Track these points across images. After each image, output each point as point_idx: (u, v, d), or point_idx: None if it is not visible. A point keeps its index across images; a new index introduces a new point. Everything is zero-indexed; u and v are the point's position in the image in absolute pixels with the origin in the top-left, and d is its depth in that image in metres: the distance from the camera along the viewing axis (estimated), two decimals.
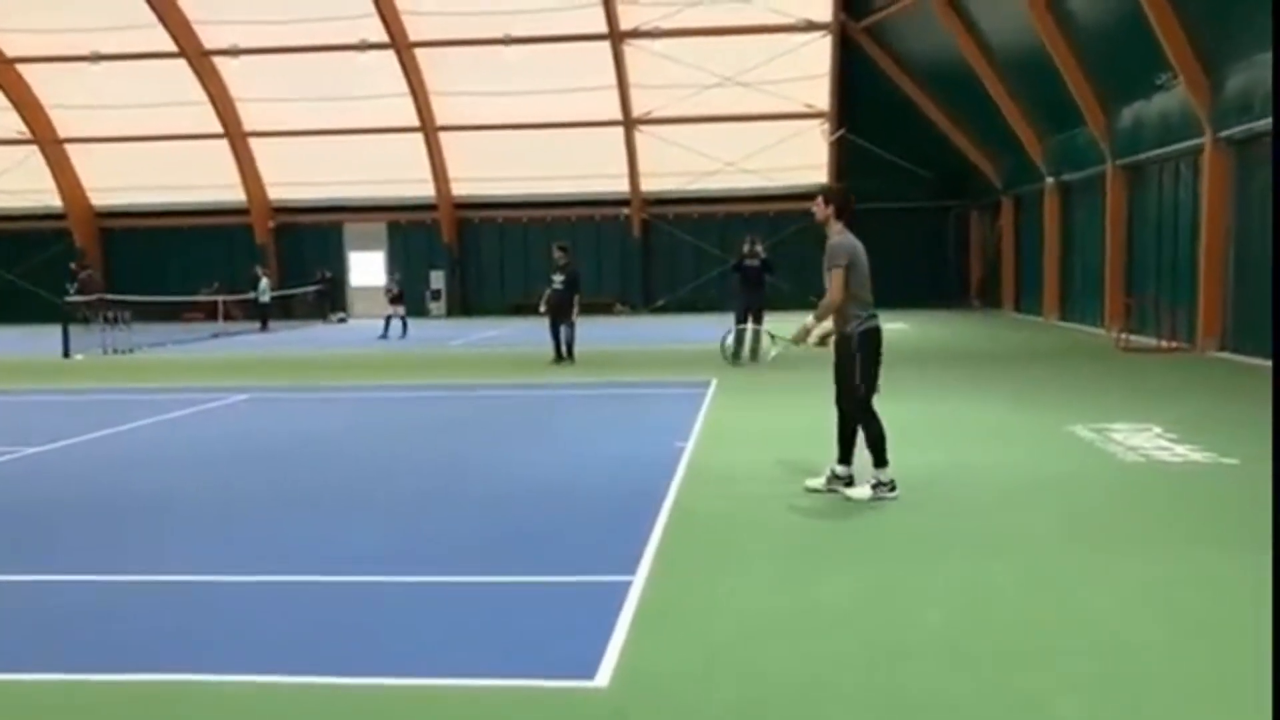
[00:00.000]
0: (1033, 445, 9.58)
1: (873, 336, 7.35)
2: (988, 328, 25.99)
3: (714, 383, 14.09)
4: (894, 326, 26.59)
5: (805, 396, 13.25)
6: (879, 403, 7.53)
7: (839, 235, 7.45)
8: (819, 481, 7.53)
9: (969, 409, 11.94)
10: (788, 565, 5.91)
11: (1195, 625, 4.88)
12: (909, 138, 32.40)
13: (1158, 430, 9.90)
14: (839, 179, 34.06)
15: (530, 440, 10.40)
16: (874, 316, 7.39)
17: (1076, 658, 4.43)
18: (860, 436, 7.41)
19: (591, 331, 21.23)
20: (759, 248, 17.89)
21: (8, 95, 32.83)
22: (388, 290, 26.24)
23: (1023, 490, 7.72)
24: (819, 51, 31.48)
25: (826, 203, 7.54)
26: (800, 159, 33.13)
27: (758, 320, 16.98)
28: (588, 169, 33.89)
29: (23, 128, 33.79)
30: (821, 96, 32.71)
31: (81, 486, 8.46)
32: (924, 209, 34.47)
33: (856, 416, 7.37)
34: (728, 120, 32.59)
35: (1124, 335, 19.34)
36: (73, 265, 32.93)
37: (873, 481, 7.27)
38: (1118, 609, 5.08)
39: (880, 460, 7.28)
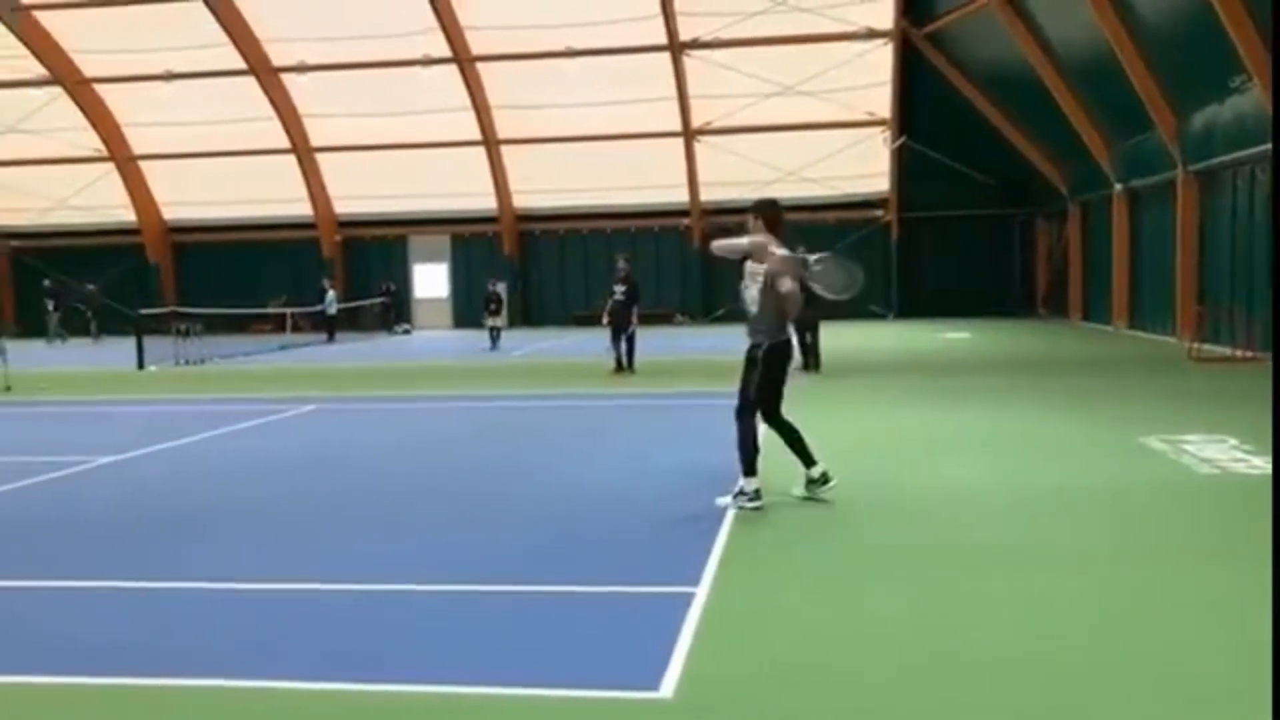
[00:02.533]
0: (1102, 457, 9.39)
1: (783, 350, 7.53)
2: (1054, 337, 25.55)
3: None
4: (957, 336, 26.47)
5: (864, 405, 13.16)
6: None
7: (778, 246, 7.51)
8: (800, 491, 7.54)
9: (1034, 420, 11.74)
10: (851, 576, 5.86)
11: (1265, 643, 4.74)
12: (972, 145, 32.04)
13: (1233, 442, 9.65)
14: (901, 187, 33.84)
15: (592, 450, 10.43)
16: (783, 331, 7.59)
17: (1139, 674, 4.33)
18: (776, 436, 7.55)
19: (651, 342, 21.27)
20: (819, 257, 17.77)
21: (86, 114, 33.80)
22: (488, 301, 25.88)
23: (1092, 503, 7.57)
24: (880, 59, 31.26)
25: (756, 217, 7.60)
26: (861, 167, 32.92)
27: (813, 331, 17.05)
28: (647, 180, 33.99)
29: (99, 145, 34.75)
30: (883, 104, 32.47)
31: (153, 496, 8.66)
32: (988, 217, 34.04)
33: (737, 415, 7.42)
34: (788, 129, 32.50)
35: (1196, 345, 18.89)
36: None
37: (735, 489, 7.30)
38: (1187, 625, 4.96)
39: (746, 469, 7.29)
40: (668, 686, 4.26)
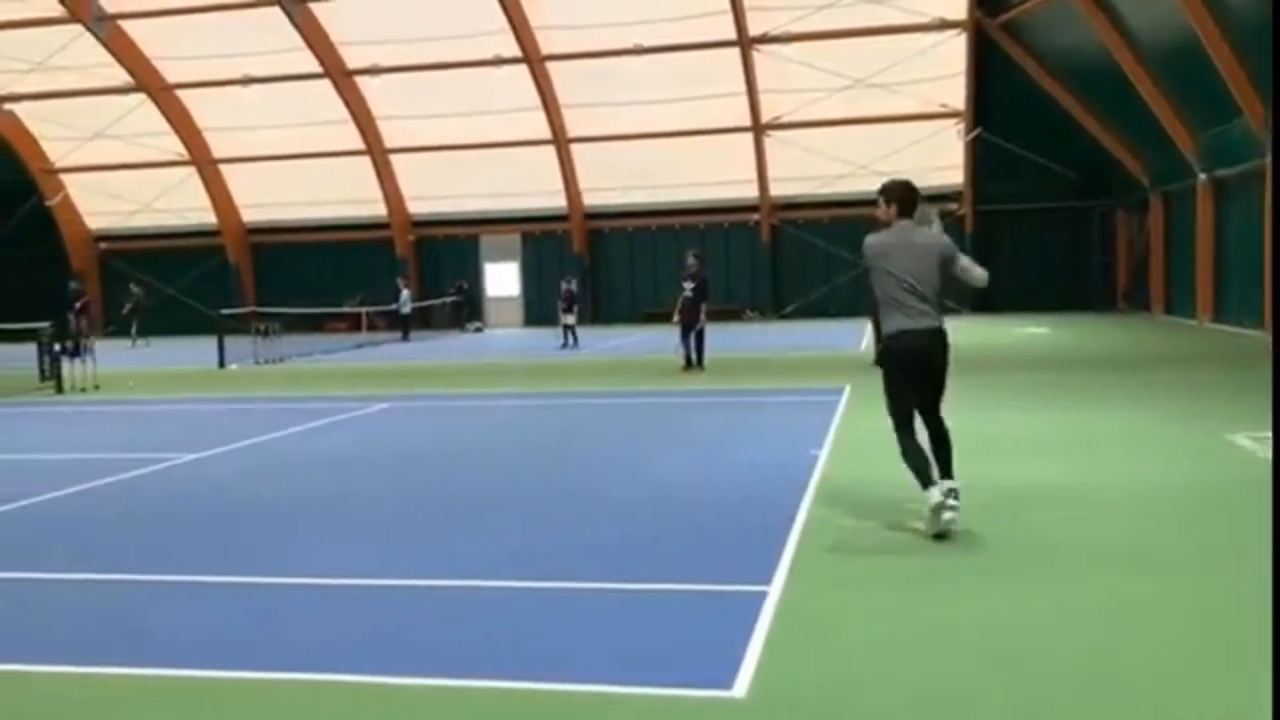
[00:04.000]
0: (1188, 455, 9.14)
1: (892, 355, 6.43)
2: (1136, 331, 24.94)
3: (848, 389, 13.90)
4: (1036, 331, 25.95)
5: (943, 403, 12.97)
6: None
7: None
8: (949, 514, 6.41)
9: (1117, 417, 11.47)
10: (926, 578, 5.78)
11: None
12: (1049, 136, 31.41)
13: None
14: (975, 179, 33.28)
15: (662, 448, 10.44)
16: (897, 331, 6.36)
17: (1231, 681, 4.21)
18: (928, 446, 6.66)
19: (721, 338, 21.21)
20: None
21: (168, 119, 34.71)
22: (562, 299, 25.85)
23: (1178, 502, 7.38)
24: (954, 50, 30.80)
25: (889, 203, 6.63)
26: (934, 160, 32.46)
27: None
28: (716, 176, 33.92)
29: (181, 150, 35.67)
30: (957, 95, 31.98)
31: (235, 492, 8.87)
32: (1066, 209, 33.34)
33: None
34: (859, 123, 32.18)
35: None
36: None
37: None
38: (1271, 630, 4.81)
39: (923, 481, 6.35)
40: (741, 686, 4.25)
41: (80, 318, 25.31)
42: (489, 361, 22.73)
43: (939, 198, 33.81)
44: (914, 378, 6.44)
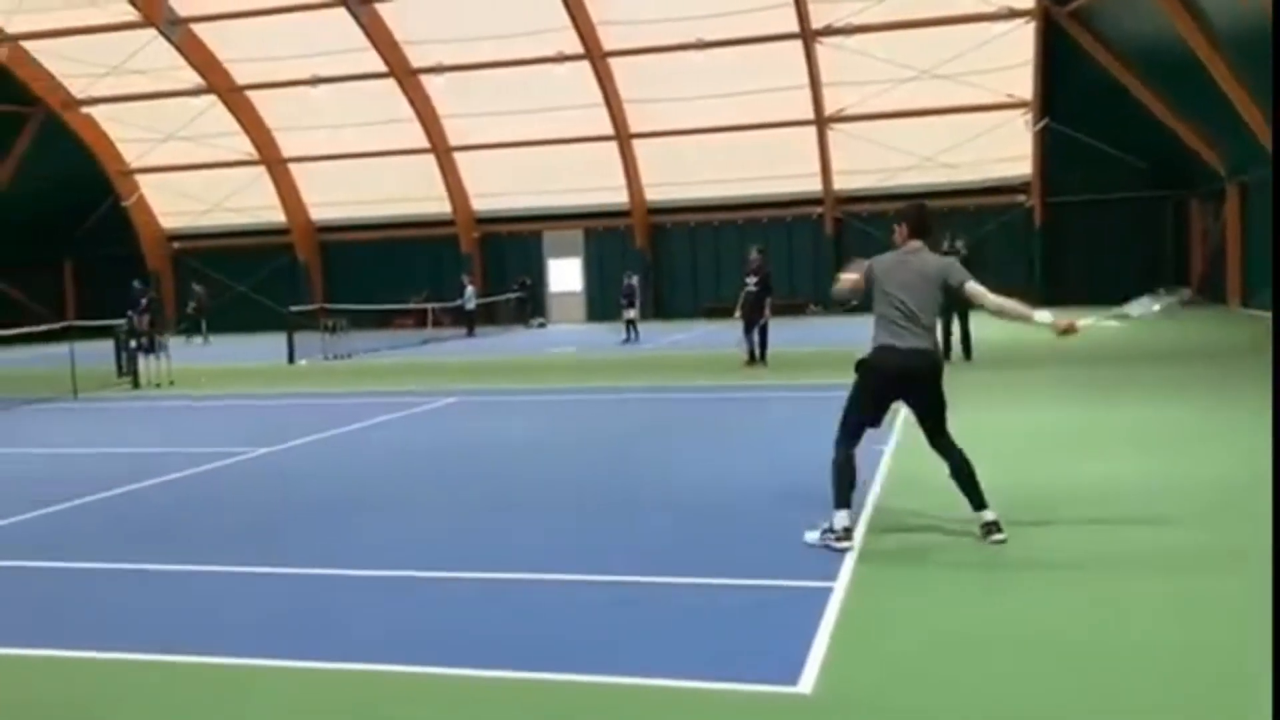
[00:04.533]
0: (1262, 451, 8.90)
1: (871, 369, 6.44)
2: (1211, 323, 24.33)
3: None
4: (1107, 324, 25.19)
5: (1011, 400, 12.79)
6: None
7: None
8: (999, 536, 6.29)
9: (1191, 411, 11.22)
10: (995, 576, 5.73)
11: None
12: (1120, 125, 30.72)
13: None
14: (1044, 170, 32.70)
15: (725, 443, 10.44)
16: (880, 347, 6.41)
17: None
18: (960, 474, 6.51)
19: (784, 333, 21.10)
20: (959, 243, 17.40)
21: (239, 120, 35.40)
22: (624, 294, 25.90)
23: (1252, 500, 7.20)
24: (1021, 39, 30.26)
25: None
26: (1001, 151, 31.97)
27: (962, 319, 16.61)
28: (779, 169, 33.73)
29: (251, 150, 36.37)
30: (1024, 85, 31.43)
31: (304, 486, 9.04)
32: (1138, 199, 32.60)
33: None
34: (924, 114, 31.79)
35: None
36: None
37: (824, 525, 6.29)
38: None
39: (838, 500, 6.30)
40: (806, 682, 4.25)
41: (144, 317, 25.86)
42: (552, 357, 22.87)
43: (1006, 189, 33.27)
44: (887, 396, 6.51)
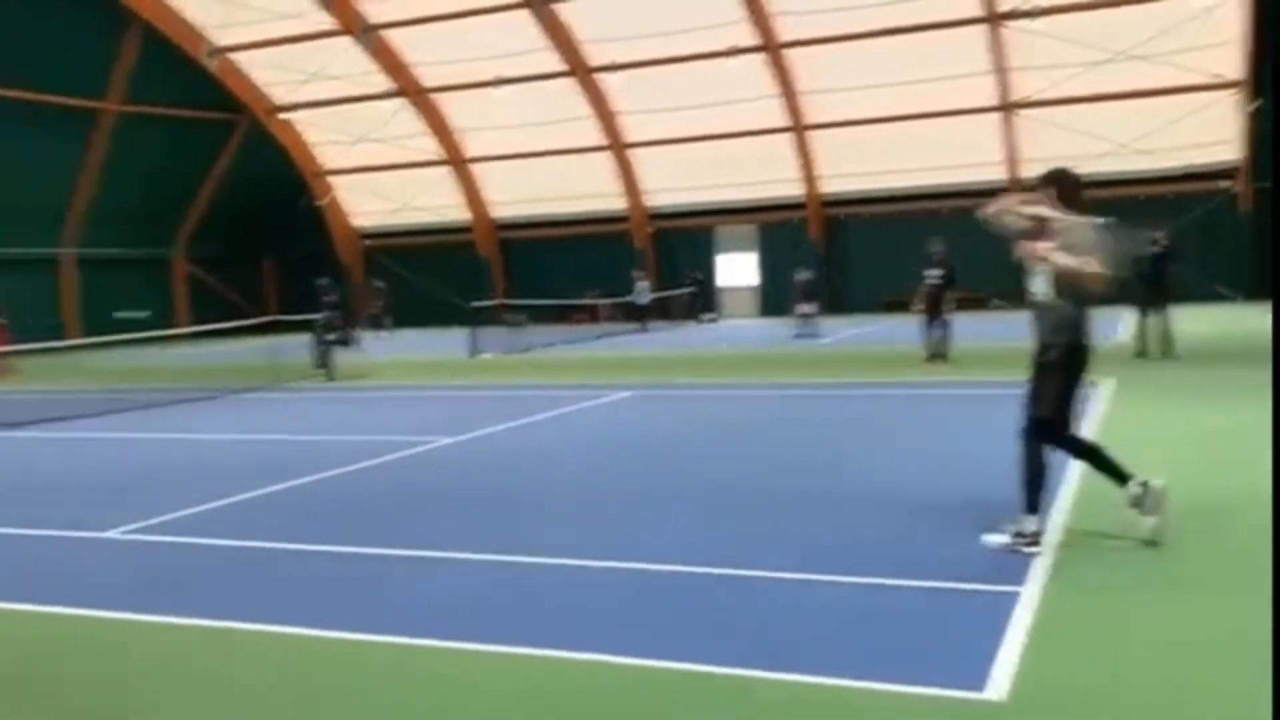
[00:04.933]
0: None
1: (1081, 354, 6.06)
2: None
3: (1113, 382, 13.04)
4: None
5: (1218, 398, 11.99)
6: None
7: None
8: (1134, 518, 6.02)
9: None
10: (1193, 582, 5.37)
11: None
12: None
13: None
14: (1255, 155, 30.53)
15: (903, 441, 10.18)
16: (1088, 332, 6.06)
17: None
18: (1087, 452, 6.31)
19: (967, 328, 20.44)
20: (1160, 234, 16.49)
21: (427, 122, 36.79)
22: (799, 288, 25.64)
23: None
24: (1226, 15, 28.32)
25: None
26: (1203, 136, 30.02)
27: (1161, 313, 15.89)
28: (961, 159, 32.65)
29: (438, 150, 37.74)
30: (1232, 65, 29.41)
31: (487, 475, 9.30)
32: None
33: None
34: (1118, 99, 30.17)
35: None
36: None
37: (1013, 529, 5.96)
38: None
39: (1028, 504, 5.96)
40: (995, 688, 4.09)
41: (333, 313, 27.02)
42: (725, 352, 22.84)
43: (1209, 175, 31.26)
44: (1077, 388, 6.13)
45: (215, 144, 37.43)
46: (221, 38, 34.24)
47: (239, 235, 39.04)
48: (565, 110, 34.83)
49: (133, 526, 7.60)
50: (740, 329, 31.09)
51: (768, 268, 36.66)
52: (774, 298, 35.12)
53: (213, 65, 34.65)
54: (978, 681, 4.14)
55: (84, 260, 34.97)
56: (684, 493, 8.16)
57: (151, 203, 36.44)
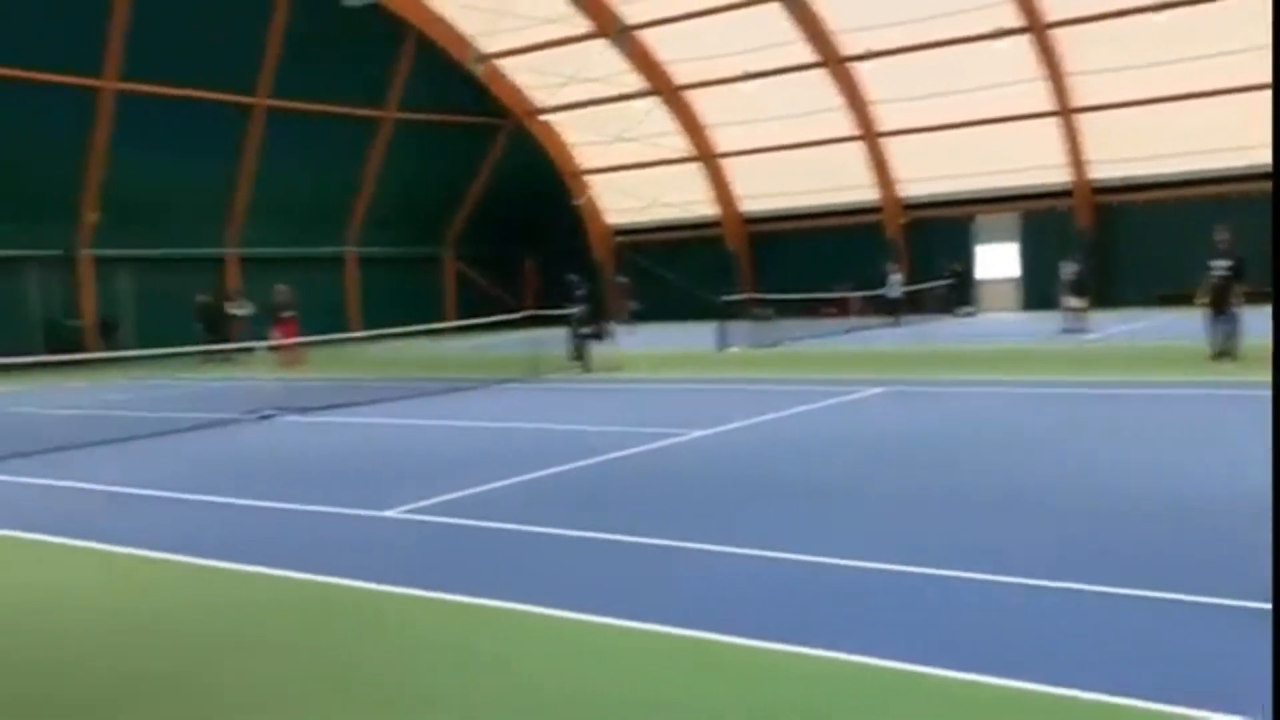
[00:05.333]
0: None
1: None
2: None
3: None
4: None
5: None
6: None
7: None
8: None
9: None
10: None
11: None
12: None
13: None
14: None
15: (1182, 446, 9.45)
16: None
17: None
18: None
19: (1257, 324, 18.69)
20: None
21: (677, 119, 37.36)
22: (1067, 281, 24.29)
23: None
24: None
25: None
26: None
27: None
28: (1250, 139, 29.82)
29: (688, 147, 38.25)
30: None
31: (736, 468, 9.33)
32: None
33: None
34: None
35: None
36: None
37: None
38: None
39: None
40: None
41: (585, 307, 27.82)
42: (984, 347, 21.92)
43: None
44: None
45: (480, 147, 39.44)
46: (486, 45, 36.03)
47: (502, 234, 41.01)
48: (816, 102, 34.46)
49: (409, 507, 8.13)
50: (1000, 323, 29.78)
51: (1030, 258, 34.91)
52: (1036, 290, 33.41)
53: (479, 72, 36.52)
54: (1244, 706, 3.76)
55: (364, 259, 37.74)
56: (925, 493, 7.89)
57: (422, 205, 38.87)
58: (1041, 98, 32.06)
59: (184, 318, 29.07)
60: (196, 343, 25.68)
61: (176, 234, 31.72)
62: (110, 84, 28.78)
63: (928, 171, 35.24)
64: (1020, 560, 5.93)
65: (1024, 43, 30.75)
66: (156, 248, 31.33)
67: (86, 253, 30.11)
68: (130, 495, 9.34)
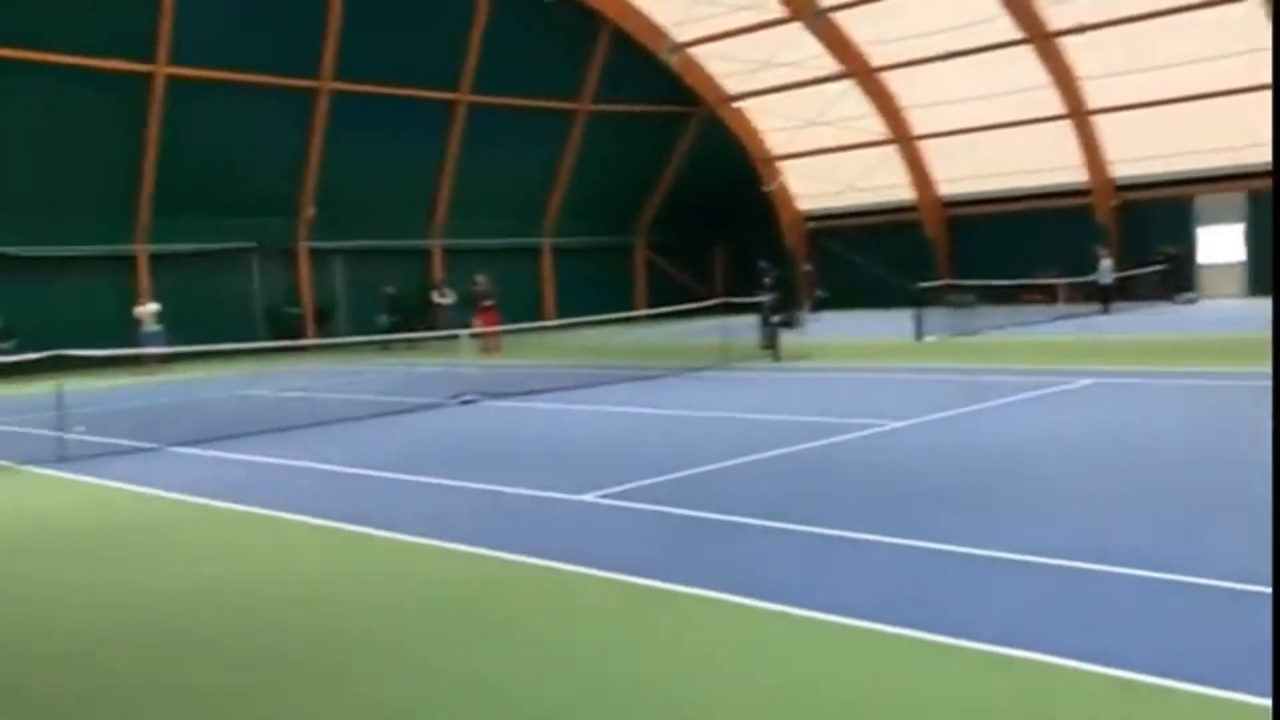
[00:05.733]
0: None
1: None
2: None
3: None
4: None
5: None
6: None
7: None
8: None
9: None
10: None
11: None
12: None
13: None
14: None
15: None
16: None
17: None
18: None
19: None
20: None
21: (873, 102, 36.55)
22: None
23: None
24: None
25: None
26: None
27: None
28: None
29: (883, 130, 37.36)
30: None
31: (939, 461, 9.06)
32: None
33: None
34: None
35: None
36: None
37: None
38: None
39: None
40: None
41: (774, 295, 27.62)
42: (1206, 336, 20.51)
43: None
44: None
45: (672, 136, 39.68)
46: (680, 34, 36.17)
47: (692, 222, 41.18)
48: (1020, 80, 32.97)
49: (605, 491, 8.28)
50: (1223, 310, 27.82)
51: (1257, 241, 32.43)
52: (1264, 274, 31.02)
53: (673, 61, 36.72)
54: None
55: (558, 249, 38.65)
56: (1139, 492, 7.43)
57: (614, 195, 39.44)
58: (1268, 68, 29.67)
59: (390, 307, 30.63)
60: (380, 332, 27.20)
61: (384, 227, 33.34)
62: (326, 84, 30.46)
63: (1142, 150, 33.17)
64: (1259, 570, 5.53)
65: (1245, 10, 28.52)
66: (366, 239, 33.04)
67: (304, 244, 32.02)
68: (352, 475, 9.89)
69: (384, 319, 29.96)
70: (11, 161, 26.05)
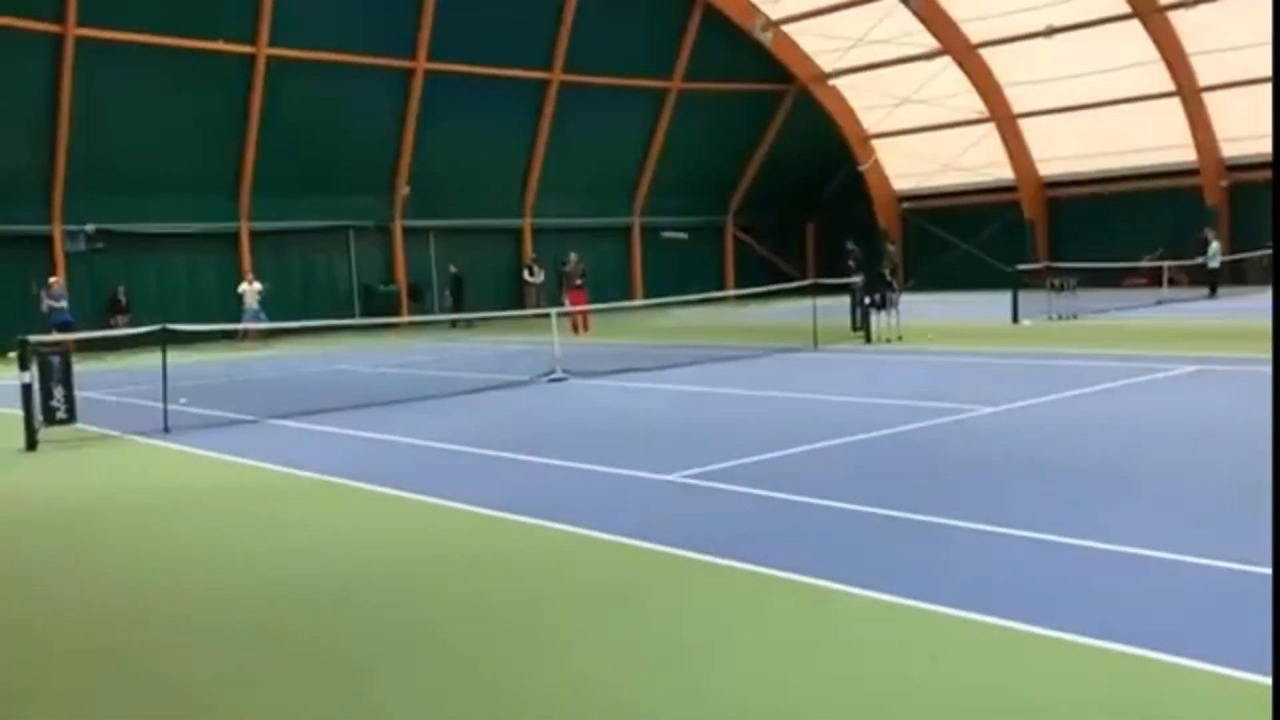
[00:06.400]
0: None
1: None
2: None
3: None
4: None
5: None
6: None
7: None
8: None
9: None
10: None
11: None
12: None
13: None
14: None
15: None
16: None
17: None
18: None
19: None
20: None
21: (971, 80, 35.70)
22: None
23: None
24: None
25: None
26: None
27: None
28: None
29: (981, 108, 36.48)
30: None
31: (1031, 448, 8.85)
32: None
33: None
34: None
35: None
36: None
37: None
38: None
39: None
40: None
41: (864, 275, 27.37)
42: None
43: None
44: None
45: (764, 114, 39.29)
46: (773, 11, 35.75)
47: (784, 201, 40.81)
48: (1125, 56, 31.87)
49: (692, 471, 8.28)
50: None
51: None
52: None
53: (766, 38, 36.32)
54: None
55: (647, 228, 38.63)
56: (1251, 483, 7.16)
57: (706, 173, 39.24)
58: None
59: (481, 285, 30.98)
60: (443, 311, 27.72)
61: (477, 205, 33.72)
62: (421, 65, 30.86)
63: (1257, 128, 31.85)
64: None
65: None
66: (459, 218, 33.46)
67: (399, 223, 32.57)
68: (444, 450, 10.06)
69: (447, 298, 30.57)
70: (127, 142, 27.01)
